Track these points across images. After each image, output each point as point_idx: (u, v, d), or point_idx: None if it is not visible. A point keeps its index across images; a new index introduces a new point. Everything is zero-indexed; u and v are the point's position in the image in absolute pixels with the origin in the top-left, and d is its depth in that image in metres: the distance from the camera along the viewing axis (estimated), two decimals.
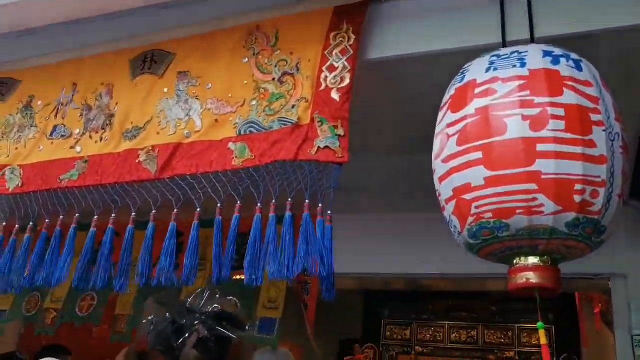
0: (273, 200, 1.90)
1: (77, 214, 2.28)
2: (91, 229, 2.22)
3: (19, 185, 2.37)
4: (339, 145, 1.81)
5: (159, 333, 2.50)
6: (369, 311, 6.94)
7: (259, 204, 1.92)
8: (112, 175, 2.17)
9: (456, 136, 1.58)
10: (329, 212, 1.82)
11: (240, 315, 2.64)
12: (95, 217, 2.23)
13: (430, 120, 1.74)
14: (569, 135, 1.45)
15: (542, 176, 1.44)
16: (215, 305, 2.50)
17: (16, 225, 2.46)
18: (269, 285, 3.24)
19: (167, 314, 2.57)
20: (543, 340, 1.54)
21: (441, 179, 1.63)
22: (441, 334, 6.98)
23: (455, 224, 1.62)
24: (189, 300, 2.63)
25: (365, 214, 3.36)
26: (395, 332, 7.11)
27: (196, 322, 2.42)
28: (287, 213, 1.86)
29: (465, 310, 6.81)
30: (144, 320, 2.66)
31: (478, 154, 1.51)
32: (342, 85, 1.90)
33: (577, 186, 1.44)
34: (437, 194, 1.69)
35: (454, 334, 6.93)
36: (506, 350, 6.69)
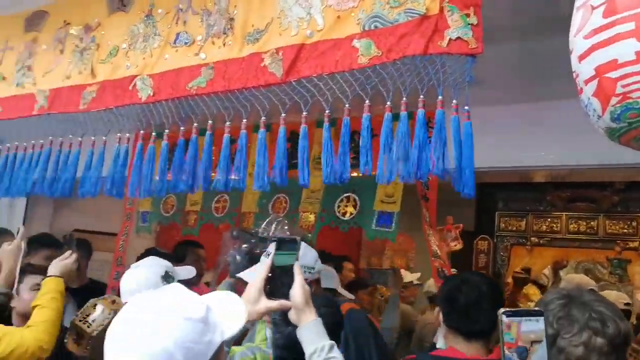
0: (404, 98, 1.85)
1: (210, 121, 2.35)
2: (225, 135, 2.29)
3: (151, 94, 2.45)
4: (472, 36, 1.70)
5: (237, 265, 2.71)
6: (482, 204, 6.87)
7: (388, 103, 1.88)
8: (238, 80, 2.19)
9: (602, 7, 1.37)
10: (466, 107, 1.75)
11: (307, 240, 2.76)
12: (227, 123, 2.28)
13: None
14: None
15: None
16: (287, 232, 2.62)
17: (153, 134, 2.59)
18: None
19: (244, 246, 2.76)
20: None
21: (581, 57, 1.45)
22: (558, 225, 6.79)
23: (596, 107, 1.45)
24: (260, 230, 2.80)
25: (481, 107, 3.23)
26: (510, 223, 7.02)
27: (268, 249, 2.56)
28: (420, 111, 1.81)
29: (585, 201, 6.55)
30: (225, 256, 2.86)
31: (630, 25, 1.31)
32: None
33: None
34: (574, 75, 1.54)
35: (572, 225, 6.71)
36: (630, 241, 6.44)
